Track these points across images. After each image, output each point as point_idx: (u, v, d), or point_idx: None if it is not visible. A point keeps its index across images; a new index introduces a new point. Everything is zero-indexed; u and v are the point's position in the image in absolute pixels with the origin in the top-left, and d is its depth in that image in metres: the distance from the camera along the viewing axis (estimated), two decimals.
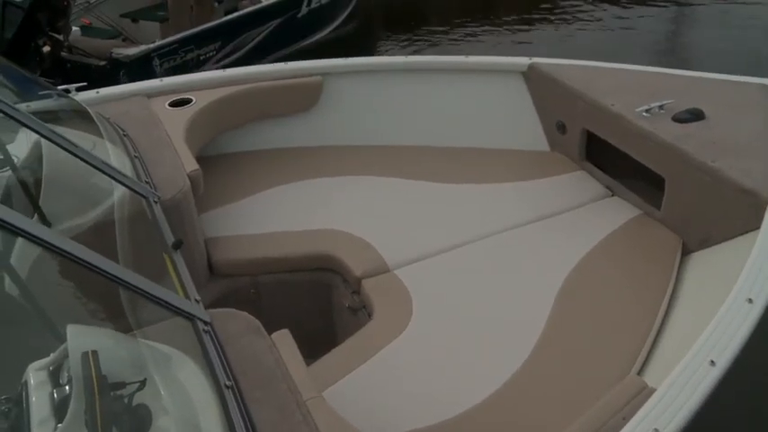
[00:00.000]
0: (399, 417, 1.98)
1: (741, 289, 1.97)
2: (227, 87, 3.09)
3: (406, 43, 8.25)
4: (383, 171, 3.15)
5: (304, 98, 3.29)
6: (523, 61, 3.34)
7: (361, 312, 2.46)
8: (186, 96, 2.98)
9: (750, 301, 1.93)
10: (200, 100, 2.95)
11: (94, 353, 1.41)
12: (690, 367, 1.74)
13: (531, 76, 3.33)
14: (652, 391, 1.72)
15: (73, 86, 2.79)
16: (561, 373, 2.16)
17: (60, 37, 5.68)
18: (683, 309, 2.39)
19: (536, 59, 3.33)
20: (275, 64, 3.26)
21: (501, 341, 2.27)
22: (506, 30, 8.53)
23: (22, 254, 1.83)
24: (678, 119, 2.78)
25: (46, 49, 5.52)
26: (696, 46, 8.00)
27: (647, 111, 2.83)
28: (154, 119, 2.75)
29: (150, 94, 2.95)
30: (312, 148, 3.34)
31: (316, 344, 2.20)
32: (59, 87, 2.68)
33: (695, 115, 2.80)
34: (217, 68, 6.53)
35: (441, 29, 8.62)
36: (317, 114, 3.34)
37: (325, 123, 3.36)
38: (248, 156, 3.27)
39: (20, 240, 1.80)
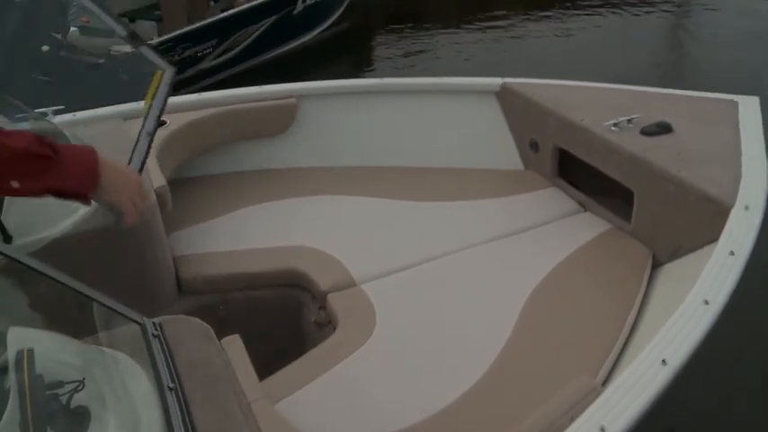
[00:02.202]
0: (353, 428, 2.01)
1: (698, 291, 1.99)
2: (201, 110, 3.11)
3: (403, 40, 8.27)
4: (356, 191, 3.17)
5: (278, 120, 3.30)
6: (496, 81, 3.36)
7: (328, 328, 2.48)
8: (161, 119, 3.05)
9: (706, 302, 1.95)
10: (174, 122, 2.99)
11: (29, 350, 1.43)
12: (641, 367, 1.74)
13: (504, 96, 3.35)
14: (602, 390, 1.72)
15: (50, 109, 2.83)
16: (523, 384, 2.17)
17: (58, 35, 5.75)
18: (650, 320, 2.39)
19: (508, 79, 3.35)
20: (249, 87, 3.28)
21: (462, 354, 2.29)
22: (506, 26, 8.54)
23: None
24: (646, 132, 2.81)
25: (44, 47, 5.60)
26: None
27: (615, 125, 2.85)
28: (128, 140, 2.82)
29: (126, 117, 2.95)
30: (286, 169, 3.35)
31: (286, 361, 2.23)
32: (36, 110, 2.74)
33: (663, 128, 2.84)
34: (214, 65, 6.69)
35: (438, 25, 8.62)
36: (291, 136, 3.34)
37: (299, 145, 3.36)
38: (221, 178, 3.28)
39: None
